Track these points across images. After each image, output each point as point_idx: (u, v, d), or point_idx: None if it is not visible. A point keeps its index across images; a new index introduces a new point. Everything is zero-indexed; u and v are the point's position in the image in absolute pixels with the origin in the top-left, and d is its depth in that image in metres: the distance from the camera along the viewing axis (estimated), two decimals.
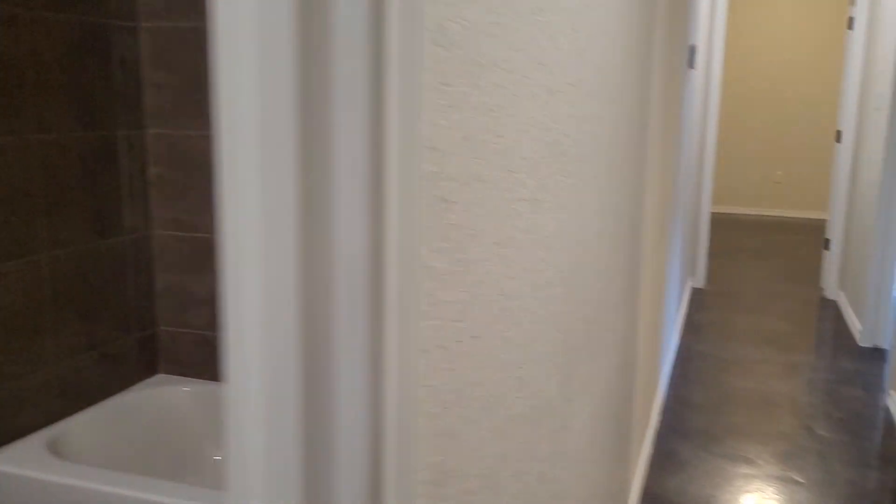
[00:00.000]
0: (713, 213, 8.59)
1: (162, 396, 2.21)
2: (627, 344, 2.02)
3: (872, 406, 3.31)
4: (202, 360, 2.29)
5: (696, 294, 5.19)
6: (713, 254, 6.40)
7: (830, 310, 4.87)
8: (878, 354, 4.00)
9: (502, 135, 0.80)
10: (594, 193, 1.34)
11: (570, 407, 1.28)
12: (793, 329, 4.43)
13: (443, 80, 0.64)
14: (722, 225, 7.94)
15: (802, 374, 3.69)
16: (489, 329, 0.81)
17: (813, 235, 7.42)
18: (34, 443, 1.84)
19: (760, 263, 6.19)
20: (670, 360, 3.74)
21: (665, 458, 2.83)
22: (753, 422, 3.14)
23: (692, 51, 3.42)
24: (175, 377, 2.30)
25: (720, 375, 3.66)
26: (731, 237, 7.29)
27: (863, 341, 4.16)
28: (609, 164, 1.51)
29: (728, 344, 4.13)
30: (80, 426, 1.98)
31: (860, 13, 4.70)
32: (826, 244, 5.19)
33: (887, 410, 3.26)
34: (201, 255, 2.23)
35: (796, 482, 2.67)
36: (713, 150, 5.19)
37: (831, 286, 5.11)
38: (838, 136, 5.00)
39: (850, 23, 4.83)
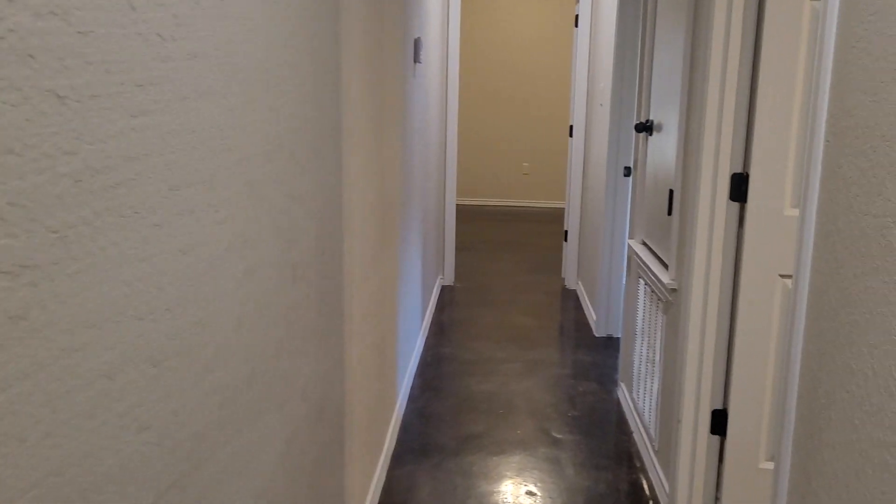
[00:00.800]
0: (467, 206, 8.72)
1: None
2: (327, 381, 1.75)
3: (606, 400, 3.35)
4: None
5: (446, 292, 5.11)
6: (465, 248, 6.42)
7: (571, 300, 5.00)
8: (611, 344, 4.13)
9: None
10: (219, 226, 1.03)
11: None
12: (535, 323, 4.47)
13: None
14: (474, 218, 8.06)
15: (542, 371, 3.68)
16: None
17: (559, 225, 7.74)
18: None
19: (510, 255, 6.29)
20: (412, 369, 3.57)
21: (399, 483, 2.62)
22: (493, 429, 3.03)
23: (417, 45, 3.24)
24: None
25: (463, 379, 3.54)
26: (483, 230, 7.40)
27: (598, 331, 4.27)
28: (262, 182, 1.21)
29: (472, 344, 4.06)
30: None
31: (584, 11, 4.84)
32: (565, 235, 5.34)
33: (618, 404, 3.31)
34: None
35: (532, 494, 2.58)
36: (455, 145, 5.13)
37: (571, 276, 5.27)
38: (571, 131, 5.14)
39: (577, 20, 4.96)
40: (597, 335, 4.26)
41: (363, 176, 2.16)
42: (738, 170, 2.23)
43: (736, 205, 2.25)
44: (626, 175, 4.09)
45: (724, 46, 2.19)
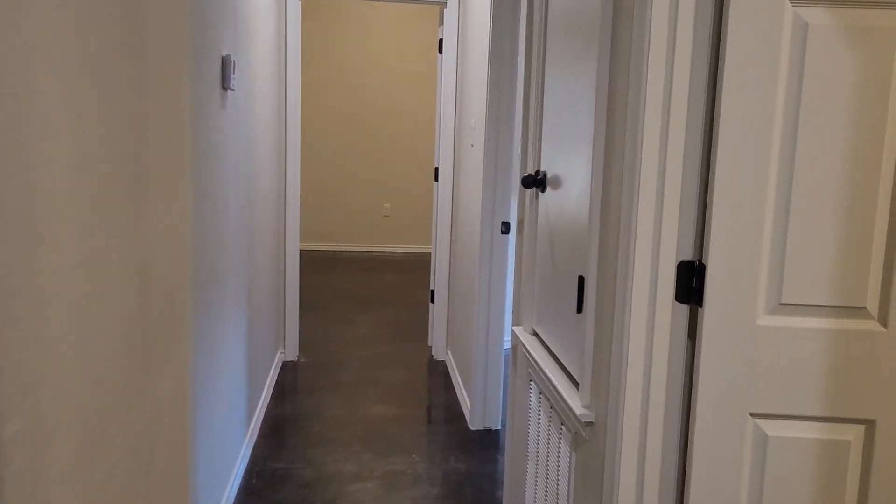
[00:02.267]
0: (319, 253, 7.79)
1: None
2: None
3: None
4: None
5: (287, 371, 4.17)
6: (314, 308, 5.50)
7: (440, 377, 4.19)
8: (490, 440, 3.33)
9: None
10: None
11: None
12: (397, 413, 3.62)
13: None
14: (327, 266, 7.14)
15: (404, 492, 2.82)
16: None
17: (426, 273, 6.96)
18: None
19: (368, 316, 5.43)
20: (228, 500, 2.62)
21: None
22: None
23: (226, 65, 2.36)
24: None
25: None
26: (338, 282, 6.49)
27: (473, 423, 3.47)
28: None
29: (315, 452, 3.14)
30: None
31: (448, 34, 4.10)
32: (431, 296, 4.55)
33: None
34: None
35: None
36: (297, 188, 4.23)
37: (439, 345, 4.46)
38: (436, 174, 4.38)
39: (440, 45, 4.23)
40: (472, 428, 3.46)
41: (84, 280, 1.25)
42: (689, 256, 1.49)
43: (685, 307, 1.50)
44: (504, 232, 3.34)
45: (665, 79, 1.45)
